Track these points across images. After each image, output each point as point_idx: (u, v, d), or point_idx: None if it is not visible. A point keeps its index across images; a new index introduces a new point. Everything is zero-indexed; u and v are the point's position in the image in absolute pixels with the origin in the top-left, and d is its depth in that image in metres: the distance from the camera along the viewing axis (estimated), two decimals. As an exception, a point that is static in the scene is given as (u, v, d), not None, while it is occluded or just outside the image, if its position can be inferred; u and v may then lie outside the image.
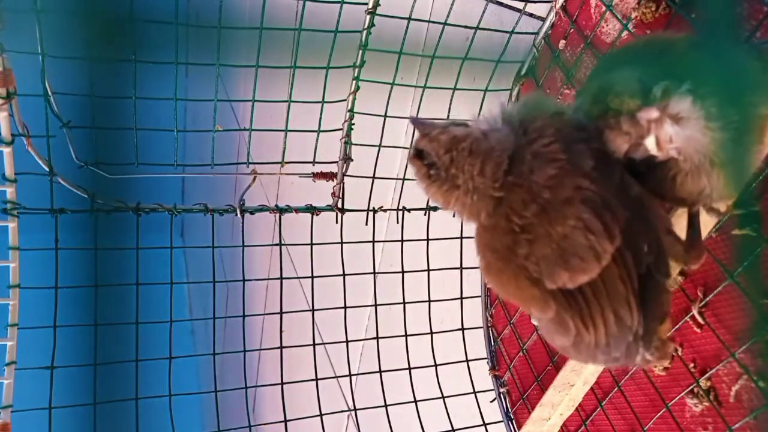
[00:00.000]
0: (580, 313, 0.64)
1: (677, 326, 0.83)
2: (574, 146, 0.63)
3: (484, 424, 1.21)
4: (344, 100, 1.14)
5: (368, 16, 1.05)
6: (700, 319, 0.81)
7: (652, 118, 0.59)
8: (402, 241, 1.25)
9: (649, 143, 0.60)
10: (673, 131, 0.59)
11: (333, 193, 1.22)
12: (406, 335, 1.25)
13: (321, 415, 1.19)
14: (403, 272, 1.26)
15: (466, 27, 1.13)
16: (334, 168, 1.21)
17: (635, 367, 0.90)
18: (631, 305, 0.64)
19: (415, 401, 1.22)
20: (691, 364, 0.83)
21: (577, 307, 0.64)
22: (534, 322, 1.13)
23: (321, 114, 1.15)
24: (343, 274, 1.24)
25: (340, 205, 1.22)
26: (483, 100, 1.18)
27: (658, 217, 0.66)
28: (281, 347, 1.21)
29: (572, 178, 0.62)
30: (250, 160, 1.22)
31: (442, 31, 1.11)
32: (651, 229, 0.65)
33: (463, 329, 1.27)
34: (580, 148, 0.63)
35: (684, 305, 0.83)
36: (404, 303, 1.26)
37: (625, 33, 0.93)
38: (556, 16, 1.08)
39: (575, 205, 0.62)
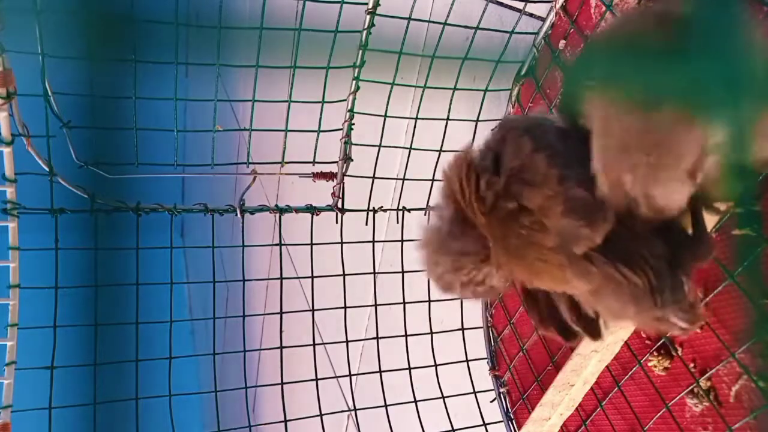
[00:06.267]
0: (623, 260, 0.64)
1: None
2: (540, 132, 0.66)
3: (484, 424, 1.22)
4: (344, 100, 1.14)
5: (368, 16, 1.05)
6: (700, 319, 0.81)
7: None
8: (402, 241, 1.25)
9: None
10: None
11: (333, 193, 1.22)
12: (406, 335, 1.25)
13: (321, 415, 1.19)
14: (403, 272, 1.26)
15: (466, 27, 1.13)
16: (334, 168, 1.21)
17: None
18: (656, 238, 0.64)
19: (415, 401, 1.22)
20: (691, 364, 0.84)
21: (615, 256, 0.64)
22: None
23: (321, 114, 1.15)
24: (343, 274, 1.24)
25: (340, 205, 1.22)
26: (483, 100, 1.18)
27: None
28: (281, 347, 1.21)
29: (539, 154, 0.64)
30: (250, 160, 1.22)
31: (442, 31, 1.11)
32: None
33: (463, 329, 1.27)
34: (544, 129, 0.66)
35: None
36: (404, 303, 1.26)
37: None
38: (556, 16, 1.08)
39: (553, 168, 0.63)
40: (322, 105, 1.14)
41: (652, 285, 0.64)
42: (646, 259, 0.64)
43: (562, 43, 1.06)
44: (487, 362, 1.26)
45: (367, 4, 1.05)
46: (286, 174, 1.19)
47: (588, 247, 0.64)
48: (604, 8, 0.96)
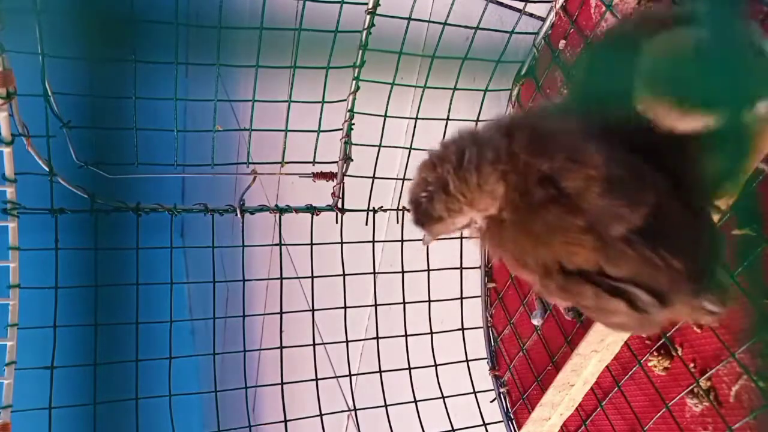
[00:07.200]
0: (663, 243, 0.63)
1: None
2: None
3: (484, 424, 1.22)
4: (344, 100, 1.14)
5: (368, 16, 1.05)
6: (700, 319, 0.81)
7: None
8: (402, 241, 1.25)
9: None
10: None
11: (333, 193, 1.22)
12: (406, 335, 1.25)
13: (321, 415, 1.19)
14: (403, 272, 1.26)
15: (466, 27, 1.13)
16: (334, 168, 1.21)
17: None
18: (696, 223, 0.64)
19: (415, 401, 1.22)
20: (691, 364, 0.84)
21: (655, 238, 0.63)
22: (534, 322, 1.13)
23: (321, 114, 1.15)
24: (343, 274, 1.24)
25: (340, 205, 1.22)
26: (483, 100, 1.18)
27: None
28: (281, 347, 1.21)
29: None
30: (250, 160, 1.22)
31: (442, 31, 1.11)
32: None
33: (463, 329, 1.27)
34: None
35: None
36: (404, 303, 1.26)
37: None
38: (556, 16, 1.08)
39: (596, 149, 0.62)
40: (322, 105, 1.14)
41: (690, 274, 0.63)
42: (685, 243, 0.63)
43: (562, 43, 1.06)
44: (487, 362, 1.26)
45: (367, 4, 1.05)
46: (286, 174, 1.19)
47: (626, 228, 0.62)
48: (604, 8, 0.96)
